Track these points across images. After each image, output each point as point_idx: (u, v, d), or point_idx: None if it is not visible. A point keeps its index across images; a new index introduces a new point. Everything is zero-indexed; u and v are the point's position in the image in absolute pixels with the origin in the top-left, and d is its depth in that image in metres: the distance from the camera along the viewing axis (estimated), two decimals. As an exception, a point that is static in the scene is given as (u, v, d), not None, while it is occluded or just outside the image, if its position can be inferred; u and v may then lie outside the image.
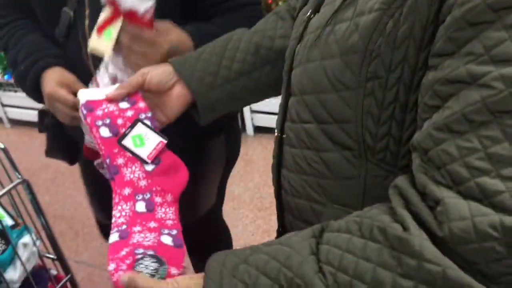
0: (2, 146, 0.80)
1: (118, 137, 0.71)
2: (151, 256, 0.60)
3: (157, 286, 0.55)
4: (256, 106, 2.53)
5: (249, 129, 2.68)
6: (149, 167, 0.71)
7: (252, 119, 2.62)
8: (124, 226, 0.64)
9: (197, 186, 1.14)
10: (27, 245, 0.86)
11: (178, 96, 0.75)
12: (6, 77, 2.98)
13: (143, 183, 0.69)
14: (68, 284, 0.97)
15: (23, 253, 0.85)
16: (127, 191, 0.68)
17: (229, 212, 2.28)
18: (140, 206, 0.67)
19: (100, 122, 0.71)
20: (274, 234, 0.80)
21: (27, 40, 0.91)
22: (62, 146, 1.03)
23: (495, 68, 0.40)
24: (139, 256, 0.59)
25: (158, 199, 0.69)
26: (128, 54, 0.77)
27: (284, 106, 0.68)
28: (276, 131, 0.71)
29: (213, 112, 0.78)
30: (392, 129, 0.53)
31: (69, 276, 0.95)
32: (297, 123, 0.64)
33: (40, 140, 0.84)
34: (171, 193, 0.70)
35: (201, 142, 1.06)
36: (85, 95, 0.74)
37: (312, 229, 0.54)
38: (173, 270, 0.60)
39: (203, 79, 0.74)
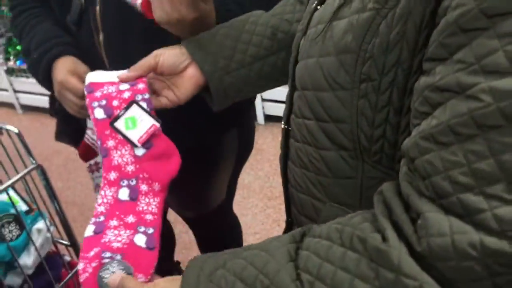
0: (16, 131, 0.80)
1: (112, 119, 0.69)
2: (118, 262, 0.58)
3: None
4: (267, 94, 2.52)
5: (260, 118, 2.67)
6: (139, 152, 0.68)
7: (263, 107, 2.61)
8: (101, 218, 0.63)
9: (209, 180, 1.13)
10: (41, 231, 0.86)
11: (190, 78, 0.74)
12: (18, 63, 2.99)
13: (130, 168, 0.67)
14: (81, 270, 0.97)
15: (37, 239, 0.85)
16: (113, 175, 0.67)
17: (239, 201, 2.28)
18: (124, 193, 0.66)
19: (96, 104, 0.70)
20: (284, 224, 0.80)
21: (41, 28, 0.91)
22: (70, 131, 1.03)
23: (485, 79, 0.38)
24: (106, 261, 0.58)
25: (144, 187, 0.67)
26: None
27: (290, 99, 0.67)
28: (282, 122, 0.71)
29: (227, 97, 0.76)
30: (387, 132, 0.52)
31: (82, 262, 0.95)
32: (300, 118, 0.63)
33: (52, 126, 0.83)
34: (159, 181, 0.68)
35: (214, 136, 1.05)
36: (91, 77, 0.73)
37: (292, 234, 0.53)
38: (140, 278, 0.59)
39: (217, 62, 0.73)
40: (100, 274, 0.58)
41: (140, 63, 0.73)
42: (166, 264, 1.61)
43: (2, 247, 0.80)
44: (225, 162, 1.12)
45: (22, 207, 0.85)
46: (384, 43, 0.48)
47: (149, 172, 0.67)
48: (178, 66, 0.73)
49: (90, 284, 0.58)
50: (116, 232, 0.61)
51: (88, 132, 0.83)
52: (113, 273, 0.57)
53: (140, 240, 0.61)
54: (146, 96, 0.71)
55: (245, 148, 1.18)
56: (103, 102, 0.70)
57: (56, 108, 1.04)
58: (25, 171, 0.80)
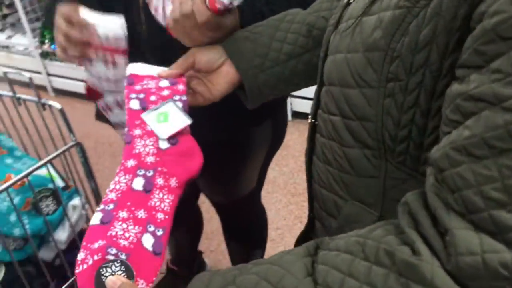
0: (59, 107, 0.81)
1: (145, 111, 0.70)
2: (122, 262, 0.55)
3: None
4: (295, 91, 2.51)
5: (287, 114, 2.66)
6: (164, 145, 0.68)
7: (290, 104, 2.60)
8: (111, 206, 0.60)
9: (240, 168, 1.14)
10: (76, 208, 0.88)
11: (225, 76, 0.74)
12: (53, 46, 3.05)
13: (150, 159, 0.66)
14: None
15: (72, 215, 0.87)
16: (131, 163, 0.65)
17: (263, 195, 2.27)
18: (138, 183, 0.63)
19: (134, 95, 0.71)
20: (306, 221, 0.79)
21: None
22: None
23: None
24: (110, 258, 0.55)
25: (160, 181, 0.65)
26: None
27: (318, 94, 0.66)
28: (310, 117, 0.70)
29: (261, 95, 0.76)
30: (413, 134, 0.50)
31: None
32: (326, 113, 0.62)
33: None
34: (177, 177, 0.66)
35: (248, 128, 1.06)
36: (133, 68, 0.74)
37: (306, 246, 0.51)
38: (141, 284, 0.55)
39: (252, 60, 0.73)
40: (100, 270, 0.54)
41: (180, 61, 0.74)
42: (190, 251, 1.62)
43: (38, 221, 0.81)
44: (257, 152, 1.13)
45: (59, 183, 0.87)
46: (413, 42, 0.47)
47: (168, 167, 0.66)
48: (214, 63, 0.73)
49: (85, 277, 0.54)
50: (124, 226, 0.58)
51: (89, 78, 0.84)
52: (114, 273, 0.54)
53: (148, 241, 0.58)
54: (184, 98, 0.73)
55: (277, 140, 1.19)
56: (141, 96, 0.72)
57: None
58: (65, 147, 0.82)
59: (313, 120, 0.69)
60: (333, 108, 0.60)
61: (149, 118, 0.69)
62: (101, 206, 0.60)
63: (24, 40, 3.15)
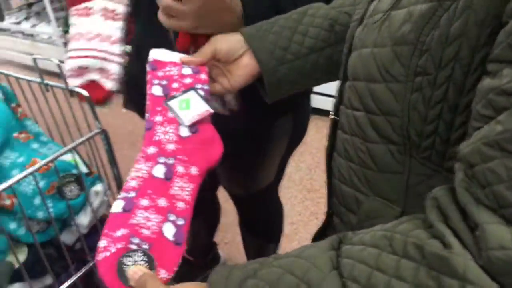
0: (87, 94, 0.82)
1: (167, 97, 0.70)
2: (144, 252, 0.56)
3: None
4: (314, 87, 2.50)
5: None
6: (184, 133, 0.68)
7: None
8: (132, 194, 0.60)
9: (260, 160, 1.15)
10: (99, 193, 0.89)
11: (245, 67, 0.74)
12: (76, 36, 3.08)
13: (171, 146, 0.66)
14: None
15: (94, 200, 0.88)
16: (152, 150, 0.66)
17: (278, 190, 2.29)
18: (159, 171, 0.64)
19: (156, 81, 0.72)
20: (322, 217, 0.80)
21: None
22: (136, 100, 1.06)
23: None
24: (133, 247, 0.55)
25: (180, 169, 0.65)
26: None
27: (340, 89, 0.66)
28: (331, 113, 0.69)
29: (280, 89, 0.76)
30: (440, 129, 0.50)
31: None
32: (349, 109, 0.62)
33: None
34: (197, 166, 0.66)
35: (269, 119, 1.06)
36: (156, 54, 0.75)
37: (330, 240, 0.50)
38: (163, 274, 0.55)
39: (272, 52, 0.73)
40: (122, 259, 0.54)
41: (202, 49, 0.75)
42: (206, 241, 1.64)
43: (61, 205, 0.83)
44: (277, 145, 1.13)
45: (83, 169, 0.88)
46: (443, 36, 0.46)
47: (188, 155, 0.67)
48: (233, 54, 0.74)
49: (108, 265, 0.54)
50: (146, 214, 0.59)
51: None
52: (136, 262, 0.54)
53: (169, 231, 0.59)
54: (206, 87, 0.73)
55: (297, 134, 1.19)
56: (164, 82, 0.72)
57: (125, 77, 1.07)
58: (90, 134, 0.83)
59: (334, 117, 0.69)
60: (357, 103, 0.59)
61: (172, 104, 0.70)
62: (123, 194, 0.61)
63: (49, 29, 3.20)
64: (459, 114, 0.48)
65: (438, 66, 0.47)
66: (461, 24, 0.45)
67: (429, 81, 0.49)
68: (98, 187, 0.89)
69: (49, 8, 3.01)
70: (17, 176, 0.72)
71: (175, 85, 0.72)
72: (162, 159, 0.65)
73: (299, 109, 1.15)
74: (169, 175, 0.63)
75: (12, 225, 0.81)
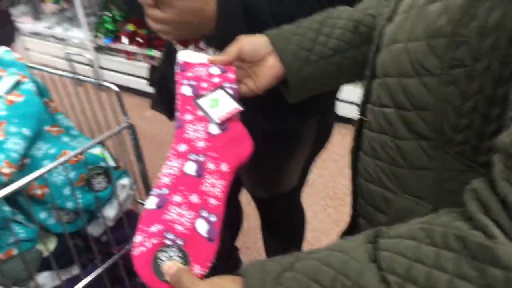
0: (117, 89, 0.85)
1: (196, 97, 0.72)
2: (179, 248, 0.56)
3: (197, 285, 0.53)
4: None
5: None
6: (214, 130, 0.69)
7: (334, 107, 2.59)
8: (165, 190, 0.62)
9: (284, 163, 1.15)
10: (125, 187, 0.91)
11: (270, 68, 0.75)
12: (105, 41, 3.16)
13: (201, 144, 0.67)
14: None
15: (120, 193, 0.90)
16: (183, 147, 0.67)
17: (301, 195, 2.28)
18: (190, 168, 0.65)
19: (185, 81, 0.74)
20: (344, 225, 0.79)
21: None
22: (166, 101, 1.08)
23: None
24: (168, 242, 0.56)
25: (211, 166, 0.66)
26: None
27: (367, 88, 0.66)
28: (357, 112, 0.69)
29: (304, 89, 0.77)
30: (475, 122, 0.49)
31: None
32: (377, 106, 0.62)
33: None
34: (228, 163, 0.67)
35: (295, 122, 1.06)
36: (184, 56, 0.77)
37: (365, 235, 0.50)
38: (197, 269, 0.56)
39: (297, 53, 0.74)
40: (157, 254, 0.55)
41: (228, 48, 0.76)
42: (229, 245, 1.64)
43: (89, 196, 0.85)
44: (301, 148, 1.14)
45: (111, 162, 0.90)
46: (481, 27, 0.46)
47: (219, 152, 0.68)
48: (258, 54, 0.75)
49: (143, 260, 0.55)
50: (179, 210, 0.60)
51: None
52: (171, 258, 0.55)
53: (202, 227, 0.59)
54: (234, 86, 0.74)
55: (322, 138, 1.19)
56: (193, 82, 0.74)
57: (153, 79, 1.10)
58: (119, 128, 0.85)
59: (360, 116, 0.69)
60: (387, 99, 0.59)
61: (201, 103, 0.71)
62: (156, 190, 0.62)
63: (80, 34, 3.28)
64: (495, 105, 0.47)
65: (475, 57, 0.47)
66: (499, 15, 0.45)
67: (465, 73, 0.48)
68: (125, 180, 0.91)
69: (81, 14, 3.09)
70: (48, 165, 0.74)
71: (204, 84, 0.74)
72: (193, 156, 0.66)
73: (325, 112, 1.15)
74: (200, 172, 0.65)
75: (43, 215, 0.83)
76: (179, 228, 0.58)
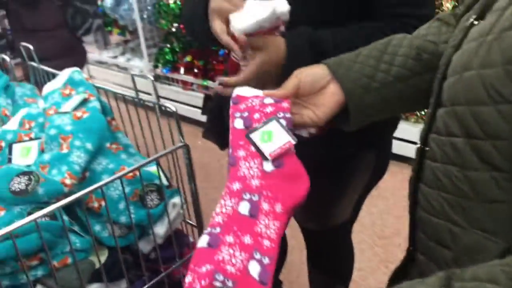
0: (174, 109, 0.88)
1: (249, 130, 0.70)
2: None
3: None
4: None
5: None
6: (268, 167, 0.67)
7: (386, 144, 2.54)
8: (217, 229, 0.60)
9: (338, 195, 1.13)
10: (176, 206, 0.93)
11: (331, 95, 0.74)
12: (164, 70, 3.31)
13: (255, 182, 0.66)
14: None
15: (171, 212, 0.92)
16: (236, 186, 0.65)
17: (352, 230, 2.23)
18: (244, 208, 0.63)
19: (238, 114, 0.73)
20: (391, 266, 0.76)
21: None
22: (216, 130, 1.11)
23: None
24: (217, 284, 0.54)
25: (265, 206, 0.64)
26: None
27: (431, 117, 0.64)
28: (419, 142, 0.67)
29: (364, 117, 0.76)
30: None
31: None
32: (444, 136, 0.60)
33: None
34: (282, 203, 0.65)
35: (351, 153, 1.05)
36: (239, 90, 0.77)
37: (438, 277, 0.47)
38: None
39: (358, 80, 0.73)
40: None
41: (285, 83, 0.76)
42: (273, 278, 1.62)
43: (142, 212, 0.88)
44: (356, 181, 1.12)
45: (164, 181, 0.93)
46: None
47: (273, 191, 0.66)
48: (318, 84, 0.75)
49: None
50: (231, 251, 0.58)
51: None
52: None
53: (254, 269, 0.57)
54: (288, 115, 0.72)
55: (378, 171, 1.17)
56: (245, 114, 0.73)
57: (207, 108, 1.14)
58: (174, 147, 0.88)
59: (422, 146, 0.67)
60: (456, 129, 0.57)
61: (253, 138, 0.69)
62: (208, 229, 0.61)
63: (141, 64, 3.46)
64: None
65: None
66: None
67: None
68: (176, 199, 0.94)
69: (143, 45, 3.27)
70: (106, 179, 0.78)
71: (256, 115, 0.72)
72: (247, 196, 0.64)
73: (383, 146, 1.13)
74: (254, 212, 0.63)
75: (97, 227, 0.87)
76: (230, 269, 0.56)
